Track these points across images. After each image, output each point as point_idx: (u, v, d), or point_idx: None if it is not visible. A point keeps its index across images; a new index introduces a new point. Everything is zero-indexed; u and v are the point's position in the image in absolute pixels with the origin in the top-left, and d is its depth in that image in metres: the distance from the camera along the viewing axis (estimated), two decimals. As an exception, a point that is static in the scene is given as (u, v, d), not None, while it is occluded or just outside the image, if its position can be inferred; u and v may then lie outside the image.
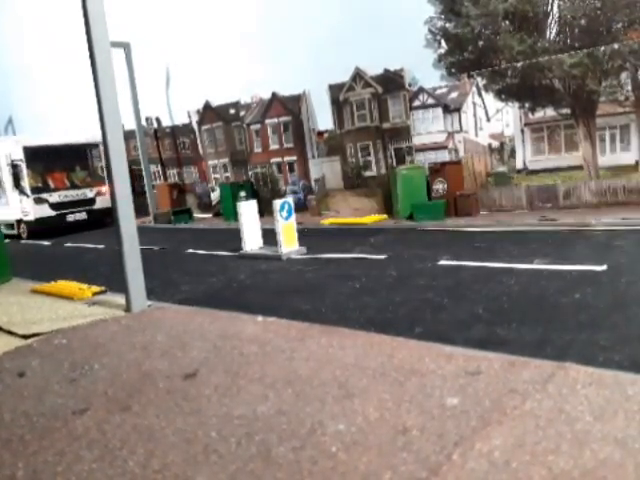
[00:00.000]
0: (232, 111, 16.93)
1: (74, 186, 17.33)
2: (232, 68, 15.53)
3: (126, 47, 16.65)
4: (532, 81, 12.04)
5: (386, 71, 13.78)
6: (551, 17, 12.26)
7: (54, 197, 16.85)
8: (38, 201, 16.52)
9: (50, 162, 16.91)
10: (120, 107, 6.26)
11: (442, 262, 7.80)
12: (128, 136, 18.61)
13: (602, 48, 11.11)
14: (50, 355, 4.98)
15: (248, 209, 10.22)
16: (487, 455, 2.67)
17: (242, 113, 16.68)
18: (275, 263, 9.07)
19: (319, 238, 11.28)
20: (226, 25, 15.57)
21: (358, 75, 14.21)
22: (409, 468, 2.63)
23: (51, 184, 16.99)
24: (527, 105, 12.38)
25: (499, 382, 3.44)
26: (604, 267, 6.57)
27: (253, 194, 15.22)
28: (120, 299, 6.59)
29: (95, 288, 7.50)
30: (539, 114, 12.20)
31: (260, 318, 5.47)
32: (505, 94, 12.57)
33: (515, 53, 11.93)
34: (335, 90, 14.65)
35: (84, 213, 17.21)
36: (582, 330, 4.58)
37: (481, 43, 12.55)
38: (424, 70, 13.24)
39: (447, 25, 12.97)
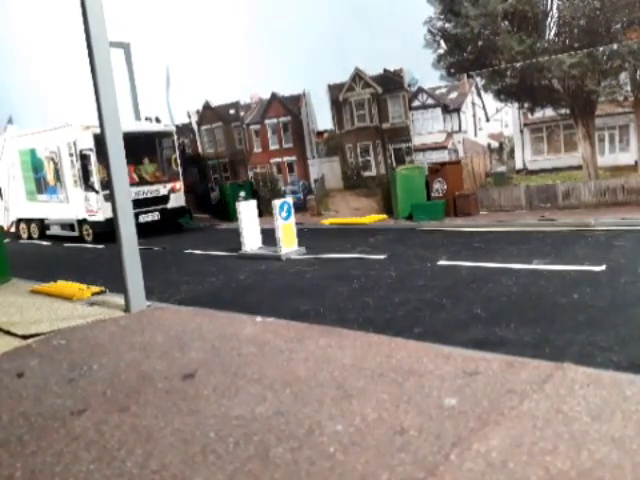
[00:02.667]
0: (232, 111, 16.94)
1: (144, 181, 14.89)
2: (232, 68, 15.55)
3: (126, 47, 16.68)
4: (531, 81, 12.05)
5: (386, 71, 13.78)
6: (550, 17, 12.26)
7: None
8: (109, 198, 15.09)
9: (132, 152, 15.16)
10: (120, 107, 6.27)
11: (441, 262, 7.80)
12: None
13: (601, 48, 11.12)
14: (49, 355, 4.98)
15: (247, 209, 10.22)
16: (484, 455, 2.67)
17: (242, 113, 16.69)
18: (274, 263, 9.08)
19: (318, 238, 11.28)
20: (226, 25, 15.59)
21: (357, 75, 14.22)
22: (407, 469, 2.63)
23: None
24: (526, 105, 12.39)
25: (497, 383, 3.44)
26: (603, 267, 6.57)
27: (252, 194, 15.23)
28: (119, 299, 6.60)
29: (94, 288, 7.51)
30: (538, 114, 12.20)
31: (259, 319, 5.47)
32: (504, 94, 12.58)
33: (514, 53, 11.95)
34: (335, 90, 14.66)
35: (157, 213, 14.72)
36: (580, 330, 4.58)
37: (480, 43, 12.56)
38: (423, 70, 13.25)
39: (446, 25, 12.98)
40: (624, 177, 11.04)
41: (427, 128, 13.41)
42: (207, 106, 17.46)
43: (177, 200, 15.30)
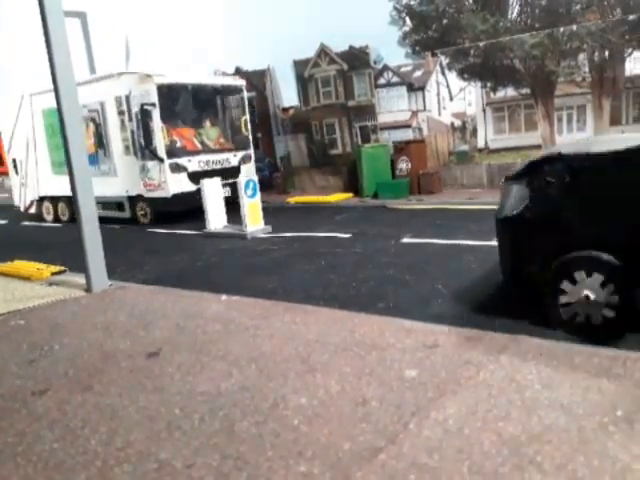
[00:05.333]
0: (195, 86, 16.45)
1: (207, 148, 11.97)
2: (194, 42, 15.13)
3: (82, 17, 15.94)
4: (494, 61, 12.21)
5: (351, 48, 13.70)
6: (513, -4, 12.37)
7: (193, 164, 11.52)
8: (175, 169, 11.25)
9: (183, 111, 11.71)
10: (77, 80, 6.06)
11: (405, 240, 7.94)
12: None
13: (561, 29, 11.33)
14: (7, 336, 4.86)
15: (212, 187, 10.08)
16: (442, 423, 2.79)
17: (205, 88, 16.25)
18: (240, 242, 9.04)
19: (285, 217, 11.27)
20: (188, -3, 15.12)
21: (323, 51, 14.08)
22: (367, 438, 2.73)
23: (183, 144, 11.59)
24: (489, 85, 12.56)
25: (455, 355, 3.57)
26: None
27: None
28: (80, 279, 6.47)
29: (54, 268, 7.32)
30: (500, 94, 12.41)
31: (224, 297, 5.47)
32: (468, 73, 12.70)
33: (478, 32, 12.06)
34: (300, 66, 14.49)
35: (228, 188, 11.25)
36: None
37: (445, 21, 12.60)
38: (389, 48, 13.25)
39: (412, 2, 12.95)
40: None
41: (392, 106, 13.47)
42: (169, 80, 16.96)
43: (248, 173, 12.05)
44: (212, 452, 2.75)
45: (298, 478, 2.48)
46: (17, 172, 14.46)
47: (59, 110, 5.91)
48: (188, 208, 11.12)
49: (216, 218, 10.02)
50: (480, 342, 3.73)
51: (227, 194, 11.34)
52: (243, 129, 12.76)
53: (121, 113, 11.52)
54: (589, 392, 2.97)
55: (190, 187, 11.28)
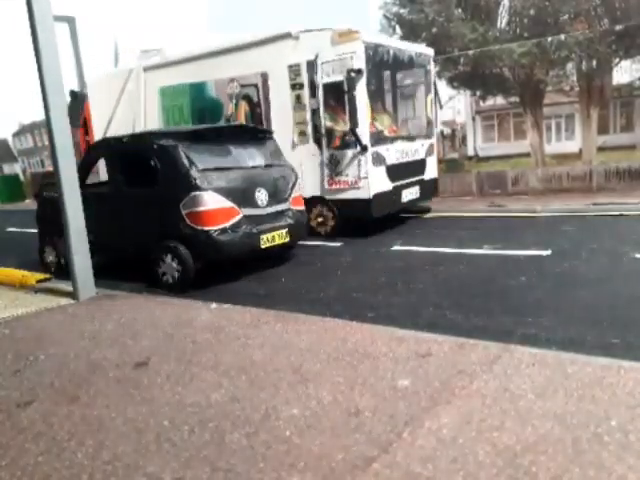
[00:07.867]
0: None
1: (399, 134, 9.41)
2: (183, 45, 15.10)
3: (71, 21, 15.86)
4: (483, 69, 12.32)
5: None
6: (502, 6, 12.51)
7: (391, 154, 8.70)
8: (377, 160, 8.37)
9: (381, 83, 9.44)
10: (65, 85, 5.99)
11: (395, 247, 7.92)
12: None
13: (549, 38, 11.47)
14: (-9, 346, 4.75)
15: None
16: (436, 433, 2.76)
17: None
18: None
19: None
20: (177, 4, 15.08)
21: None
22: (361, 448, 2.69)
23: (381, 127, 8.99)
24: (478, 93, 12.66)
25: (448, 364, 3.55)
26: (549, 252, 6.85)
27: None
28: (66, 286, 6.36)
29: (39, 275, 7.19)
30: (489, 102, 12.53)
31: (214, 305, 5.41)
32: (457, 81, 12.79)
33: (467, 41, 12.16)
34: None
35: (417, 188, 9.35)
36: (526, 312, 4.77)
37: (435, 30, 12.70)
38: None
39: (401, 11, 13.04)
40: (569, 165, 11.50)
41: (382, 114, 13.50)
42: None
43: (432, 169, 9.70)
44: (202, 464, 2.69)
45: (290, 491, 2.43)
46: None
47: (46, 114, 5.81)
48: (386, 215, 8.66)
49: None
50: (473, 351, 3.71)
51: (414, 196, 9.10)
52: (428, 110, 9.77)
53: (295, 87, 8.61)
54: (583, 401, 2.95)
55: (387, 185, 8.58)
